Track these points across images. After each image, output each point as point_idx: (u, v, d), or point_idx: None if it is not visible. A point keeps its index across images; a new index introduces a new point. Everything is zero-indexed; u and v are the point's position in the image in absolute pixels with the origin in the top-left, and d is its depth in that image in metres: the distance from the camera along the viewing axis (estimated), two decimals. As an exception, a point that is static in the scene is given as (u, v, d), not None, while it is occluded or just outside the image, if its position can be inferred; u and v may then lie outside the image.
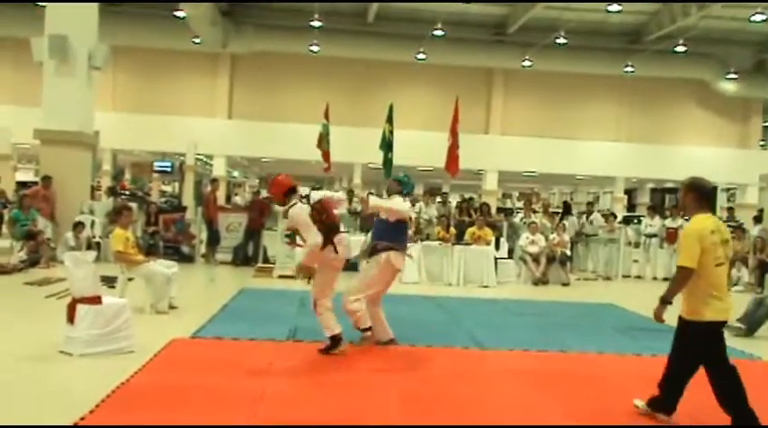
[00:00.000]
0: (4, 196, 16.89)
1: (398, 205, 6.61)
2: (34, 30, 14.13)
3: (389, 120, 14.28)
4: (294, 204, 6.03)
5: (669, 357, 4.65)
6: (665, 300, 4.46)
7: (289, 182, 6.24)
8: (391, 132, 14.32)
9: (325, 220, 5.98)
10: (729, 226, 16.90)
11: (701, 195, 4.56)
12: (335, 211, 6.23)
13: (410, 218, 6.75)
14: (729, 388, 4.41)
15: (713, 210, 4.61)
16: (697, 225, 4.44)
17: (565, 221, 14.68)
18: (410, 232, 7.16)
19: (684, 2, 20.28)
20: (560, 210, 16.95)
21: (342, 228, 6.27)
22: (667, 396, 4.62)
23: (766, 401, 5.41)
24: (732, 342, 7.63)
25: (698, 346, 4.48)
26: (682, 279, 4.39)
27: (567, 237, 13.74)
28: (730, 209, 19.77)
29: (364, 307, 6.44)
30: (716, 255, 4.38)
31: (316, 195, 6.36)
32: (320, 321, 6.18)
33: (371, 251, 6.62)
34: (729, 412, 4.43)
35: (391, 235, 6.52)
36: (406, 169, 21.11)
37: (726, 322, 4.54)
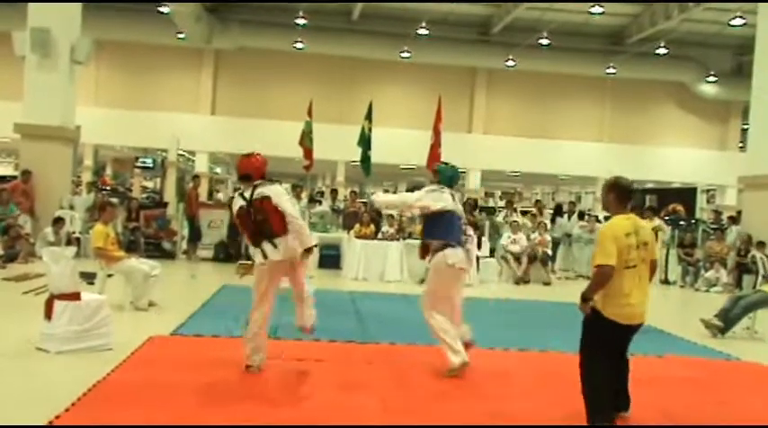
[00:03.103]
0: None
1: (404, 196, 6.45)
2: (16, 23, 13.94)
3: (369, 117, 14.29)
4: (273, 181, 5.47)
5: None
6: (585, 298, 4.52)
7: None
8: (370, 129, 14.34)
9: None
10: (712, 228, 17.14)
11: (621, 194, 4.61)
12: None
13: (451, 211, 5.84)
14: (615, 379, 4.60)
15: (638, 211, 4.69)
16: (612, 226, 4.48)
17: (554, 220, 14.77)
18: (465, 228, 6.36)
19: (667, 1, 20.43)
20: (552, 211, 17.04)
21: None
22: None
23: (745, 401, 5.52)
24: (710, 342, 7.75)
25: (600, 336, 4.59)
26: (600, 276, 4.38)
27: (548, 237, 13.82)
28: (717, 213, 19.96)
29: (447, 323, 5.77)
30: (628, 258, 4.37)
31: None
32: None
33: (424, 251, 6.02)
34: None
35: (437, 230, 5.87)
36: (389, 167, 21.17)
37: (629, 326, 4.53)
